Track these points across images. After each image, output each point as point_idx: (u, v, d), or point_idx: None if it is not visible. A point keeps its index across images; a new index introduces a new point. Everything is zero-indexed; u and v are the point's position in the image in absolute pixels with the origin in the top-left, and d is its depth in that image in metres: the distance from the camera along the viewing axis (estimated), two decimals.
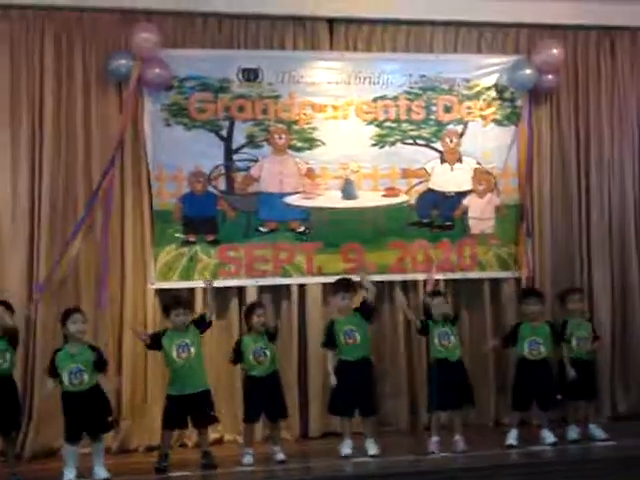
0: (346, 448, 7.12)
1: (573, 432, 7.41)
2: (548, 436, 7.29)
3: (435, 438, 7.19)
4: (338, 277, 7.70)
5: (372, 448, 7.09)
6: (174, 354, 6.94)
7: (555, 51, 8.65)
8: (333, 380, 7.16)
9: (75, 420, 6.55)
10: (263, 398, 7.06)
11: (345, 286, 7.42)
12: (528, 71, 8.65)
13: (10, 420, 6.65)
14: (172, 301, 7.18)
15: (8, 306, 6.86)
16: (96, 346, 6.86)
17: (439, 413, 7.30)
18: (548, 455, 7.07)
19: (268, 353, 7.15)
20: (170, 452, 7.00)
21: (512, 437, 7.30)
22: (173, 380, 6.97)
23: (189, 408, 6.93)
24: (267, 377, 7.13)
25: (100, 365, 6.70)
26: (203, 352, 7.18)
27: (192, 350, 6.97)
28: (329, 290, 7.71)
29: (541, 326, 7.52)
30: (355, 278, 7.66)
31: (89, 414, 6.58)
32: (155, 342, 7.03)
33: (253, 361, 7.12)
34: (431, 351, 7.40)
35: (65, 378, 6.58)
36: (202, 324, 7.13)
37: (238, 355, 7.20)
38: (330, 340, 7.33)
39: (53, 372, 6.62)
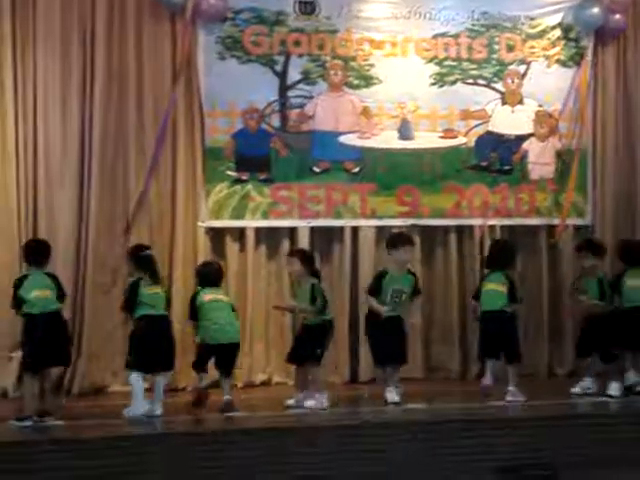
0: (394, 395, 6.94)
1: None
2: (614, 387, 7.02)
3: (488, 376, 6.96)
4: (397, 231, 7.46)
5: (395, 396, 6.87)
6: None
7: None
8: (384, 310, 6.90)
9: (154, 350, 6.41)
10: (312, 343, 6.80)
11: (410, 241, 7.11)
12: (595, 10, 8.29)
13: (61, 353, 6.52)
14: None
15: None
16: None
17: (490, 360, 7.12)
18: (613, 407, 6.86)
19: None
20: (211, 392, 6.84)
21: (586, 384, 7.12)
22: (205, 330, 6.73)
23: (218, 357, 6.67)
24: (318, 325, 6.84)
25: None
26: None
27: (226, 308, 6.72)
28: (386, 239, 7.40)
29: (593, 280, 7.19)
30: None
31: (167, 347, 6.51)
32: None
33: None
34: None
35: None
36: None
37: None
38: (376, 290, 6.99)
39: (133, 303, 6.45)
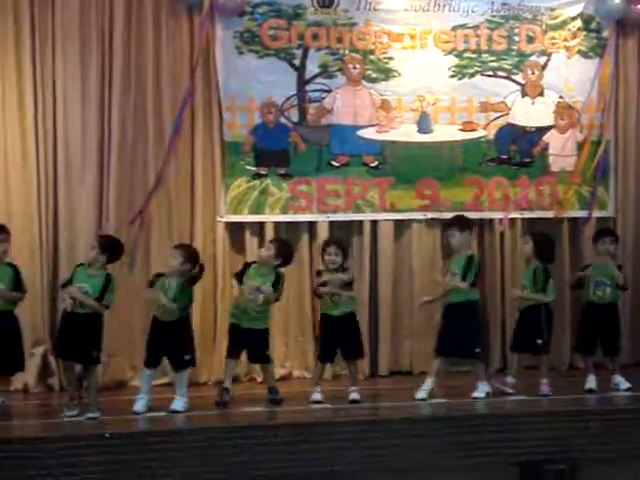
0: (422, 393, 6.86)
1: None
2: (622, 382, 7.07)
3: (510, 379, 7.00)
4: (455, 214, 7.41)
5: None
6: (247, 293, 6.78)
7: None
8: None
9: (158, 346, 6.49)
10: (339, 338, 6.84)
11: (454, 224, 7.05)
12: (616, 0, 8.19)
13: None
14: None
15: None
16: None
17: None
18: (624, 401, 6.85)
19: (342, 298, 6.86)
20: (233, 387, 6.86)
21: (591, 382, 7.07)
22: (236, 309, 6.85)
23: (246, 342, 6.80)
24: (343, 317, 6.89)
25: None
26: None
27: (260, 298, 6.75)
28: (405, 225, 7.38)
29: (609, 267, 7.18)
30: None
31: (174, 343, 6.51)
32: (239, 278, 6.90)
33: (328, 301, 6.90)
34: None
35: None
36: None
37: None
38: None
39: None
